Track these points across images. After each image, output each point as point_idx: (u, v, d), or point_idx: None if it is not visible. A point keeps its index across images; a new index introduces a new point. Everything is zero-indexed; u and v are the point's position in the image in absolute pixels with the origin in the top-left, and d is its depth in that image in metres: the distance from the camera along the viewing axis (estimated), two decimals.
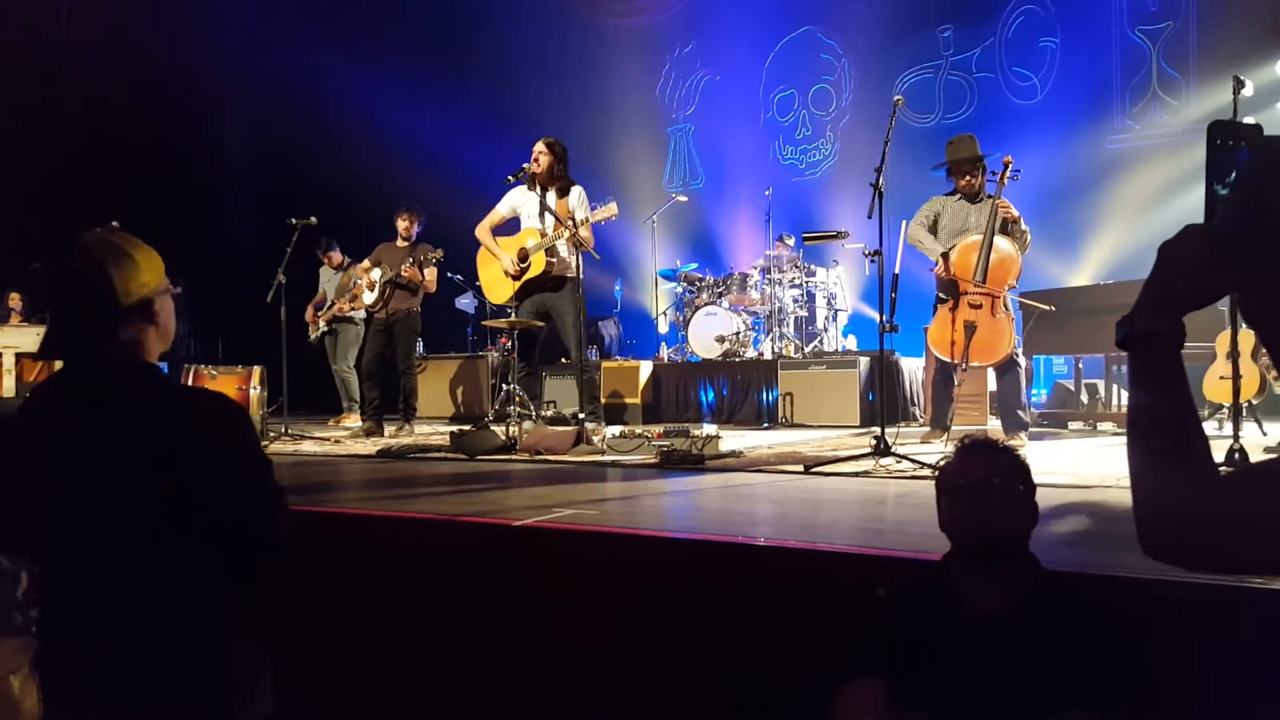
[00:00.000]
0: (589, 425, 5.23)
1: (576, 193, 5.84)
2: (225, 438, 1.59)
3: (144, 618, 1.51)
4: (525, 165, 5.78)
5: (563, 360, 7.87)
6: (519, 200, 5.97)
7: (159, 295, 1.65)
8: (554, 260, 5.83)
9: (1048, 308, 5.19)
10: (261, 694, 1.62)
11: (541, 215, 5.84)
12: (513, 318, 5.78)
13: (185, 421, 1.55)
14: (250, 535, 1.62)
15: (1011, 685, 1.71)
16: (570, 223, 5.52)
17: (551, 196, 5.81)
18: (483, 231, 6.05)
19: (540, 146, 5.84)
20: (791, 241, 8.39)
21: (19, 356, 6.92)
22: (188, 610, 1.55)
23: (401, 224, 7.02)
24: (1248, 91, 3.89)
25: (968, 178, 5.24)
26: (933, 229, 5.30)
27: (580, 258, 5.63)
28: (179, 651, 1.53)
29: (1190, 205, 7.70)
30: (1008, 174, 5.14)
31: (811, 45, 10.33)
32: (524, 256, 5.85)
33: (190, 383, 5.90)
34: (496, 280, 6.04)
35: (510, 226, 6.11)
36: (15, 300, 8.64)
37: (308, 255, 7.92)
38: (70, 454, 1.52)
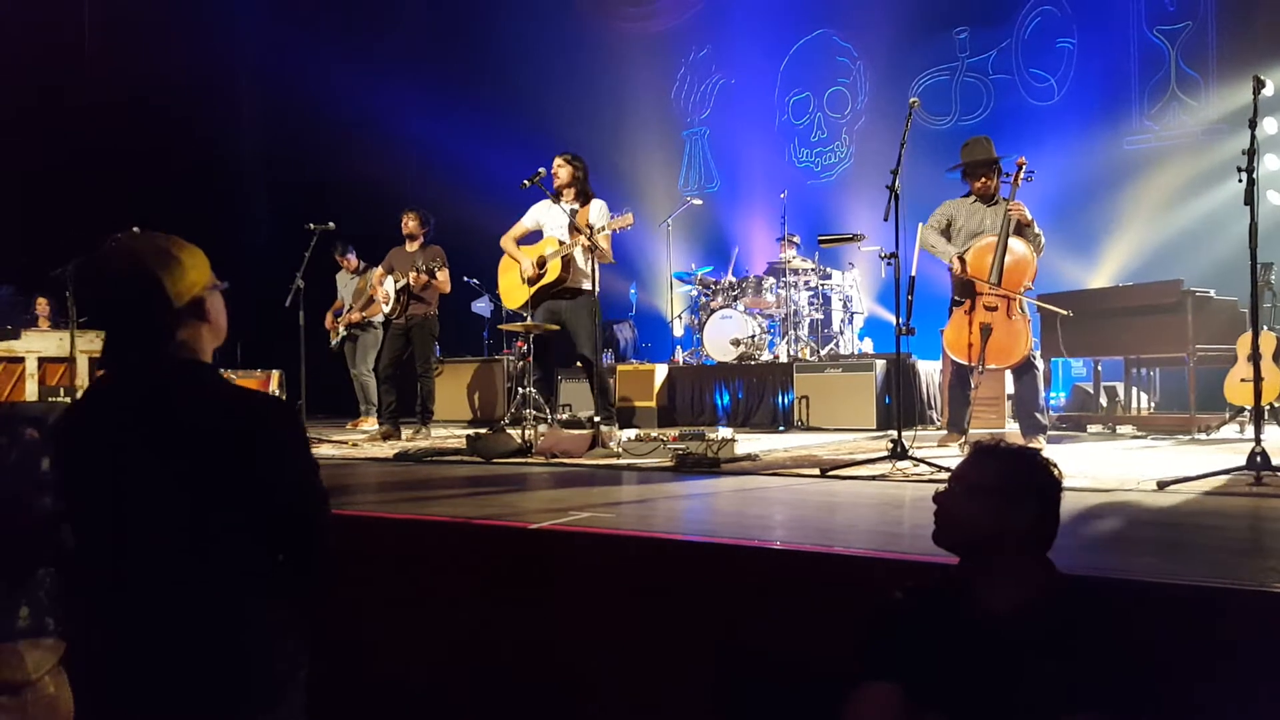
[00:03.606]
0: (604, 427, 5.24)
1: (597, 206, 5.96)
2: (284, 436, 1.62)
3: (194, 617, 1.52)
4: (540, 170, 5.86)
5: (578, 364, 7.88)
6: (542, 213, 6.12)
7: (209, 292, 1.65)
8: (569, 270, 5.89)
9: (1065, 312, 5.14)
10: (295, 693, 1.63)
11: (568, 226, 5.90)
12: (528, 322, 5.80)
13: (244, 420, 1.56)
14: (310, 531, 1.64)
15: (1026, 687, 1.70)
16: (588, 229, 5.57)
17: (573, 208, 5.91)
18: (507, 241, 6.22)
19: (559, 161, 6.01)
20: (798, 240, 8.37)
21: (41, 361, 6.98)
22: (237, 609, 1.55)
23: (405, 224, 7.06)
24: (1268, 91, 3.86)
25: (983, 179, 5.21)
26: (945, 232, 5.28)
27: (598, 270, 5.67)
28: (228, 651, 1.54)
29: (1208, 206, 7.63)
30: (1021, 175, 5.10)
31: (827, 48, 10.31)
32: (542, 263, 5.95)
33: None
34: (513, 286, 6.20)
35: (534, 239, 6.22)
36: (43, 305, 8.73)
37: (326, 260, 7.96)
38: (129, 458, 1.53)
